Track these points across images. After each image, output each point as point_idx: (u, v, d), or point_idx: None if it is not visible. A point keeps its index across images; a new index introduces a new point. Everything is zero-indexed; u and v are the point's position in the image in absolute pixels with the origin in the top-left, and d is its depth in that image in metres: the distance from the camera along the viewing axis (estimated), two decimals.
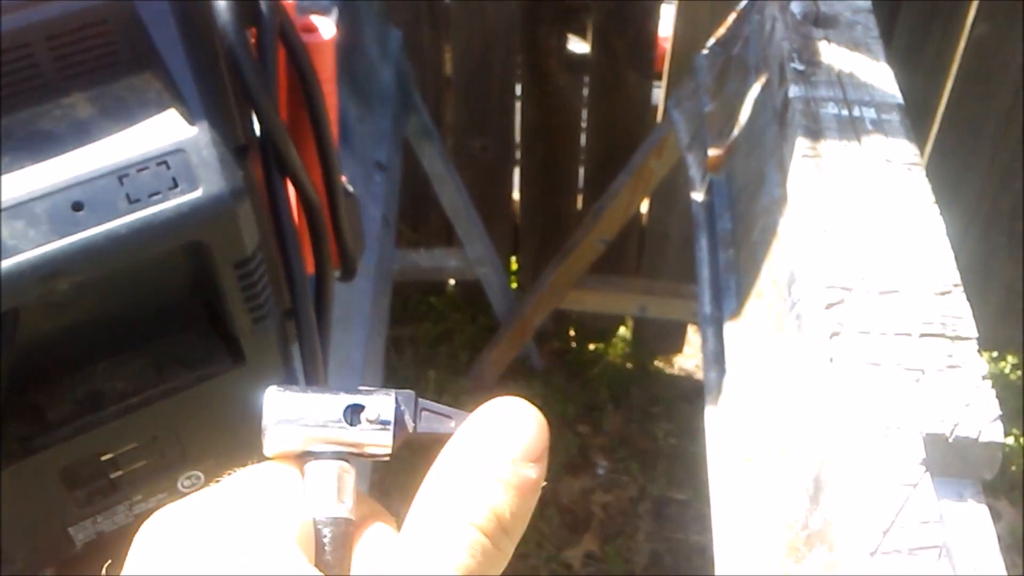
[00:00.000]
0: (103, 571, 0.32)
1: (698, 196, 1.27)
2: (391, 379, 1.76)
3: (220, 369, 0.56)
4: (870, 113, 0.99)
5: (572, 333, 2.32)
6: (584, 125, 1.95)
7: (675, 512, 2.08)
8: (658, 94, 1.92)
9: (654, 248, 2.08)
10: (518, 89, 1.92)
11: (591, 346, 2.32)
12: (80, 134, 0.48)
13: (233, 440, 0.60)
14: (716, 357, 1.06)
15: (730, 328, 1.04)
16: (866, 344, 0.75)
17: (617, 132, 1.91)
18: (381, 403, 0.30)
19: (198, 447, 0.58)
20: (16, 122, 0.48)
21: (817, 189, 0.89)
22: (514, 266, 2.23)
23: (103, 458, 0.55)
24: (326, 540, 0.29)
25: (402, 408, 0.30)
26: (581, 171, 2.03)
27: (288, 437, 0.30)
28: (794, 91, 1.01)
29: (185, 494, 0.61)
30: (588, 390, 2.24)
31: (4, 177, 0.46)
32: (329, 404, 0.30)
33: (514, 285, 2.20)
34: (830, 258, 0.82)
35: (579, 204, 2.08)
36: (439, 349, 2.21)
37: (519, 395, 0.31)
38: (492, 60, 1.84)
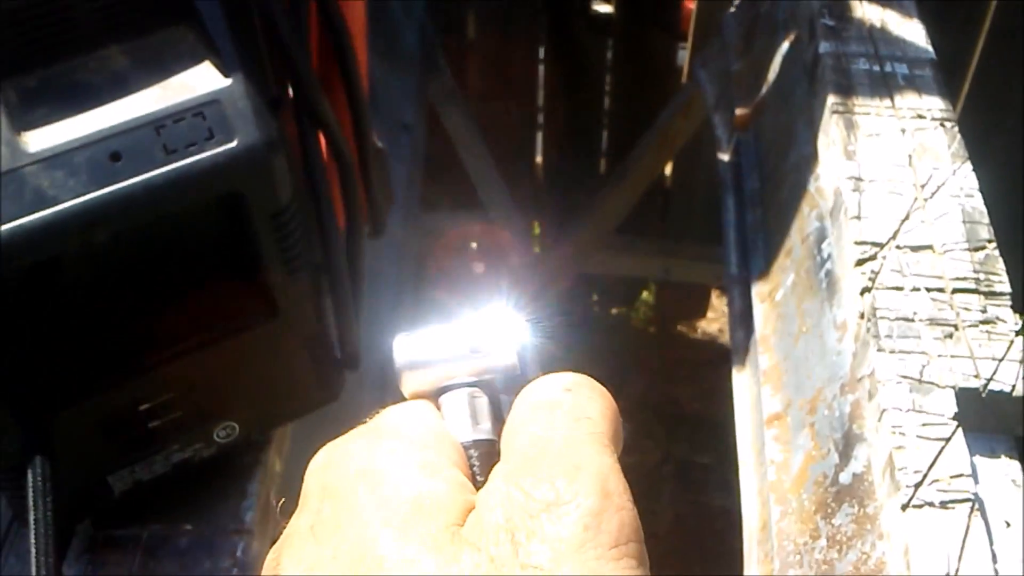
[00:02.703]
0: (277, 506, 0.33)
1: (724, 156, 1.27)
2: None
3: (254, 321, 0.56)
4: (902, 68, 0.98)
5: (595, 298, 2.32)
6: (608, 87, 1.93)
7: (699, 476, 2.08)
8: (683, 55, 1.90)
9: (678, 210, 2.06)
10: (541, 52, 1.90)
11: (614, 310, 2.33)
12: (117, 86, 0.49)
13: (267, 391, 0.60)
14: (743, 317, 1.05)
15: (757, 287, 1.03)
16: (898, 299, 0.75)
17: (641, 94, 1.89)
18: (498, 325, 0.32)
19: (233, 398, 0.59)
20: (54, 74, 0.48)
21: (848, 145, 0.88)
22: (536, 230, 2.22)
23: (141, 408, 0.56)
24: (475, 463, 0.30)
25: (518, 325, 0.32)
26: (604, 134, 2.02)
27: (421, 377, 0.32)
28: (824, 47, 0.99)
29: (221, 444, 0.62)
30: (611, 354, 2.24)
31: (44, 128, 0.47)
32: (451, 338, 0.32)
33: (536, 249, 2.20)
34: (861, 214, 0.82)
35: (602, 167, 2.07)
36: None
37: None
38: (516, 21, 1.82)
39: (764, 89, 1.20)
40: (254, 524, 0.63)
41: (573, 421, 0.29)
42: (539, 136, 2.03)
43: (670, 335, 2.32)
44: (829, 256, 0.87)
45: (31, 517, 0.46)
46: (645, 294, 2.32)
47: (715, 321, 2.36)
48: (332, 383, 0.63)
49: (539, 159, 2.08)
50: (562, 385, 0.30)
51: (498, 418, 0.32)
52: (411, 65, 1.36)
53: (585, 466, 0.27)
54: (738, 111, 1.22)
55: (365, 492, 0.28)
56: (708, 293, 2.31)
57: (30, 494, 0.46)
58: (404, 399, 0.33)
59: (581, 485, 0.27)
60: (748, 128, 1.21)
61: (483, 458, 0.30)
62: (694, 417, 2.17)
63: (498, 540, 0.26)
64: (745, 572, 0.85)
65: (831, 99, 0.93)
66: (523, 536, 0.26)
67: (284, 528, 0.29)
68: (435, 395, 0.32)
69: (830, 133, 0.91)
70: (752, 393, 0.96)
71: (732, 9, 1.37)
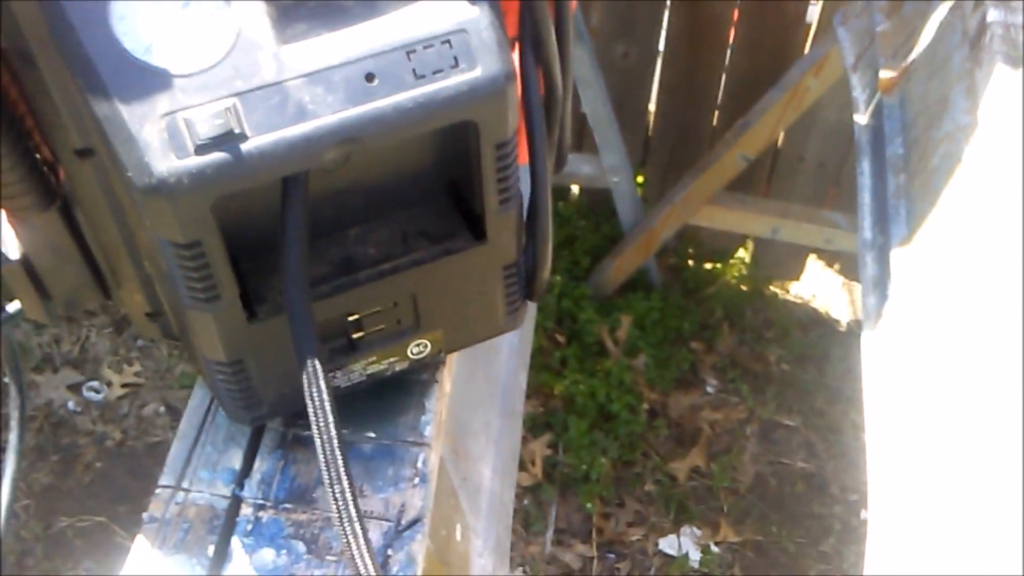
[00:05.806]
0: None
1: (862, 119, 1.25)
2: None
3: (462, 245, 0.59)
4: None
5: (691, 251, 2.32)
6: (732, 40, 1.91)
7: (782, 437, 2.09)
8: (812, 12, 1.86)
9: (786, 171, 2.05)
10: None
11: (708, 265, 2.32)
12: (371, 9, 0.50)
13: (462, 313, 0.63)
14: (877, 282, 1.05)
15: (897, 254, 1.03)
16: None
17: (766, 49, 1.87)
18: None
19: (431, 317, 0.62)
20: None
21: (1015, 117, 0.87)
22: (640, 179, 2.22)
23: (350, 318, 0.59)
24: None
25: None
26: (721, 87, 2.00)
27: None
28: (993, 15, 0.98)
29: (413, 360, 0.64)
30: (703, 309, 2.25)
31: (303, 44, 0.49)
32: None
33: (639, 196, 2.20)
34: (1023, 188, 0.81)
35: (715, 121, 2.05)
36: (561, 254, 2.24)
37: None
38: None
39: (914, 53, 1.18)
40: (432, 438, 0.66)
41: None
42: (655, 83, 2.02)
43: (762, 294, 2.31)
44: (987, 227, 0.87)
45: (313, 415, 0.51)
46: (741, 251, 2.32)
47: (808, 284, 2.35)
48: (517, 312, 0.65)
49: (652, 106, 2.07)
50: None
51: None
52: None
53: None
54: (884, 74, 1.20)
55: None
56: (805, 256, 2.29)
57: (311, 392, 0.50)
58: None
59: None
60: (894, 92, 1.19)
61: None
62: (781, 378, 2.18)
63: None
64: (871, 537, 0.86)
65: (998, 69, 0.92)
66: None
67: None
68: None
69: (995, 103, 0.90)
70: (884, 359, 0.97)
71: None
